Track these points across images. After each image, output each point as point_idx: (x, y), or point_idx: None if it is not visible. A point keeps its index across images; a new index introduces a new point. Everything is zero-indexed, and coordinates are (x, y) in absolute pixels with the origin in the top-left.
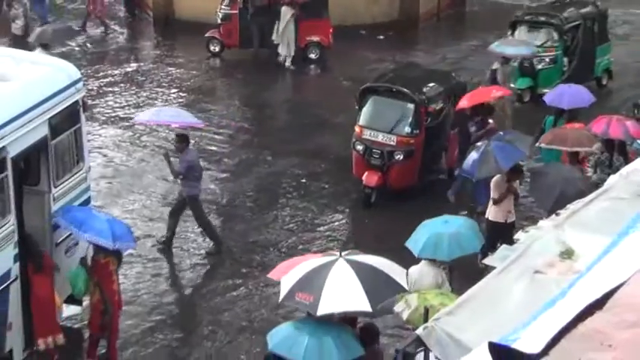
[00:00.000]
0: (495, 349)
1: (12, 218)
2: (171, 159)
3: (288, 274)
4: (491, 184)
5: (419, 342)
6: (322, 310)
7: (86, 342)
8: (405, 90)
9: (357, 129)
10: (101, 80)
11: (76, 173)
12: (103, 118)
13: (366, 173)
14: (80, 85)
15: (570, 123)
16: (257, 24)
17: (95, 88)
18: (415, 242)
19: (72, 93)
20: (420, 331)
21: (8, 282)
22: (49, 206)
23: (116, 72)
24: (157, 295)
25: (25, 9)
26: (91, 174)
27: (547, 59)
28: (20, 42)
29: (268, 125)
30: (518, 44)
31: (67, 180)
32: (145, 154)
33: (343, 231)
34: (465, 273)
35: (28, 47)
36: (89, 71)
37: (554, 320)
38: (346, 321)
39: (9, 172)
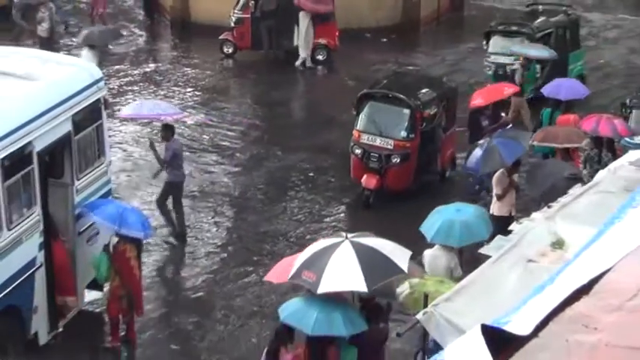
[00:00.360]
0: (488, 331)
1: (38, 209)
2: (157, 148)
3: (300, 255)
4: (493, 181)
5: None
6: (322, 288)
7: (107, 325)
8: (401, 96)
9: (355, 133)
10: (121, 80)
11: (97, 167)
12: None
13: (364, 176)
14: (102, 84)
15: (566, 114)
16: (266, 27)
17: (116, 87)
18: (428, 228)
19: (94, 91)
20: (420, 316)
21: (34, 269)
22: (72, 198)
23: (135, 72)
24: (173, 281)
25: (50, 13)
26: (111, 168)
27: (520, 67)
28: (46, 44)
29: (278, 122)
30: (540, 47)
31: (89, 173)
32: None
33: (348, 221)
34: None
35: (53, 48)
36: (110, 71)
37: (544, 304)
38: (363, 300)
39: (35, 165)
